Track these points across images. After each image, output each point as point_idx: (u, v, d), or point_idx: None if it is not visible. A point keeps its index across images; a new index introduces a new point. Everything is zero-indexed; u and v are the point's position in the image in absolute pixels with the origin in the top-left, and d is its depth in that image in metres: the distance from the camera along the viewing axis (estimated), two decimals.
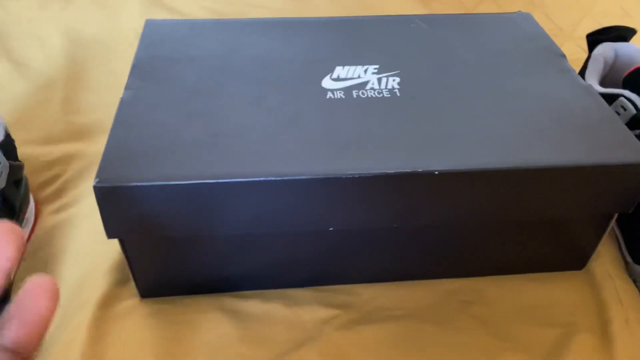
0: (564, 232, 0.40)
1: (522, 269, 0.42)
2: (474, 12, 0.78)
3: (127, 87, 0.40)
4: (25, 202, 0.44)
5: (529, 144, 0.36)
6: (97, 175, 0.33)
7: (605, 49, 0.48)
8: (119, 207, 0.34)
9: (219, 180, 0.33)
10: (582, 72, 0.49)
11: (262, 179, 0.33)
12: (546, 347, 0.37)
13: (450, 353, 0.37)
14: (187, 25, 0.47)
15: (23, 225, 0.43)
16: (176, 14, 0.70)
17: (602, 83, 0.48)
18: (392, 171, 0.33)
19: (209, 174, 0.33)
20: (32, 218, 0.44)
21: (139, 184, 0.33)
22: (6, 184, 0.40)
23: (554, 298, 0.40)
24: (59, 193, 0.47)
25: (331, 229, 0.36)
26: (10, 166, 0.41)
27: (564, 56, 0.45)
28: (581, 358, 0.36)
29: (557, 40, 0.71)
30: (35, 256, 0.42)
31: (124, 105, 0.38)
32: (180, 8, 0.71)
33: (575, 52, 0.68)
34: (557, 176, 0.35)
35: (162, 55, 0.43)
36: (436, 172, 0.34)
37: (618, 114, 0.42)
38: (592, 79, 0.46)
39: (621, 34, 0.48)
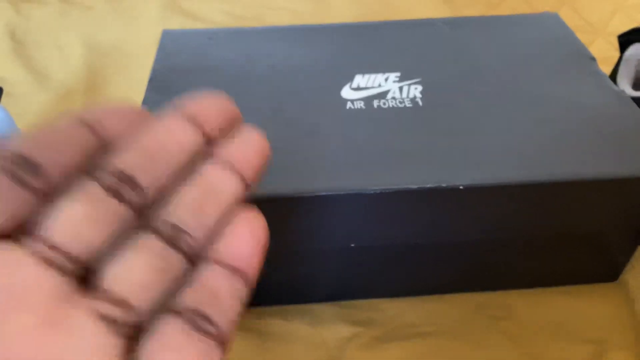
0: (596, 244, 0.39)
1: (552, 282, 0.41)
2: (499, 8, 0.75)
3: (144, 102, 0.39)
4: None
5: (558, 155, 0.34)
6: None
7: (638, 50, 0.45)
8: None
9: None
10: (614, 75, 0.47)
11: (279, 195, 0.32)
12: None
13: None
14: (204, 34, 0.46)
15: None
16: (194, 19, 0.70)
17: (635, 86, 0.46)
18: (415, 186, 0.32)
19: None
20: None
21: None
22: None
23: (586, 312, 0.39)
24: None
25: (352, 245, 0.35)
26: None
27: (594, 59, 0.43)
28: None
29: (587, 37, 0.69)
30: None
31: None
32: (198, 13, 0.71)
33: (606, 49, 0.65)
34: (588, 189, 0.34)
35: (179, 66, 0.42)
36: (461, 187, 0.32)
37: None
38: (625, 82, 0.44)
39: None
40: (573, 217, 0.35)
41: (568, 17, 0.74)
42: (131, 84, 0.59)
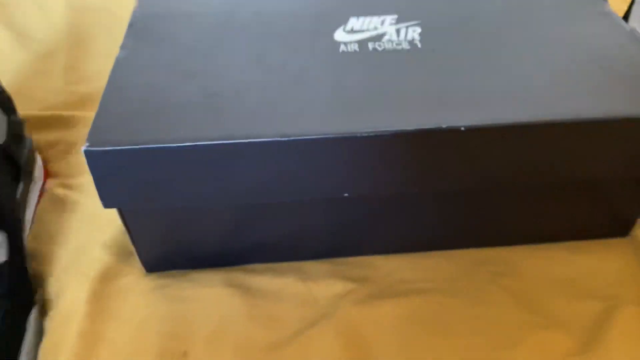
0: (604, 194, 0.36)
1: (557, 237, 0.38)
2: None
3: (122, 47, 0.37)
4: (31, 161, 0.41)
5: (565, 96, 0.32)
6: (88, 139, 0.30)
7: None
8: (112, 173, 0.31)
9: (217, 142, 0.30)
10: (626, 17, 0.44)
11: (264, 139, 0.30)
12: (586, 322, 0.34)
13: (478, 329, 0.33)
14: None
15: (32, 183, 0.40)
16: None
17: None
18: (412, 128, 0.30)
19: (206, 136, 0.30)
20: (42, 176, 0.43)
21: (131, 147, 0.30)
22: (7, 138, 0.37)
23: (594, 268, 0.36)
24: (61, 162, 0.45)
25: (346, 195, 0.33)
26: (9, 121, 0.39)
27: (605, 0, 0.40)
28: (626, 334, 0.32)
29: None
30: (39, 222, 0.40)
31: (118, 65, 0.35)
32: None
33: None
34: (597, 130, 0.31)
35: (160, 13, 0.40)
36: (462, 128, 0.30)
37: None
38: (637, 22, 0.41)
39: None
40: (580, 162, 0.32)
41: None
42: (115, 43, 0.56)
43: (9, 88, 0.51)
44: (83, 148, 0.30)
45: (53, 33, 0.58)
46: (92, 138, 0.30)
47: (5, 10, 0.61)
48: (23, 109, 0.48)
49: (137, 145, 0.30)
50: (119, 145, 0.30)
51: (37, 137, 0.46)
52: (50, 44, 0.57)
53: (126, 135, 0.30)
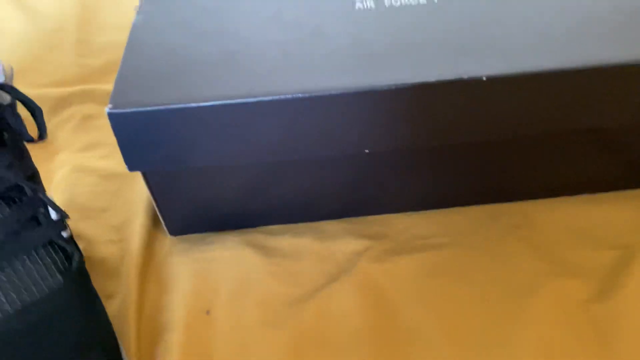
0: (621, 145, 0.37)
1: (574, 190, 0.39)
2: None
3: (138, 12, 0.37)
4: None
5: (589, 41, 0.32)
6: (111, 101, 0.30)
7: None
8: (136, 135, 0.31)
9: (238, 100, 0.30)
10: None
11: (285, 96, 0.30)
12: (603, 270, 0.34)
13: (496, 280, 0.34)
14: None
15: None
16: None
17: None
18: (433, 80, 0.30)
19: (226, 94, 0.30)
20: None
21: (154, 108, 0.30)
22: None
23: (611, 219, 0.37)
24: (78, 131, 0.45)
25: (367, 151, 0.33)
26: None
27: None
28: None
29: None
30: (62, 195, 0.41)
31: (135, 29, 0.35)
32: None
33: None
34: (619, 75, 0.31)
35: None
36: (484, 78, 0.30)
37: None
38: None
39: None
40: (601, 108, 0.33)
41: None
42: (125, 14, 0.56)
43: (19, 63, 0.51)
44: (106, 110, 0.30)
45: (61, 7, 0.58)
46: (114, 100, 0.30)
47: None
48: (37, 85, 0.49)
49: (160, 105, 0.30)
50: (141, 106, 0.30)
51: (53, 113, 0.46)
52: (60, 18, 0.57)
53: (148, 97, 0.31)
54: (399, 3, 0.36)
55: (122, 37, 0.37)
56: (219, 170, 0.35)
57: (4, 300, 0.27)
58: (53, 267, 0.30)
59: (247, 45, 0.33)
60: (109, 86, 0.47)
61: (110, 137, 0.36)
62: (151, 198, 0.36)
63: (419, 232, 0.37)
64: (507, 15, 0.34)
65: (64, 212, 0.32)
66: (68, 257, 0.31)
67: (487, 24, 0.34)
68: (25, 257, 0.29)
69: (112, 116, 0.30)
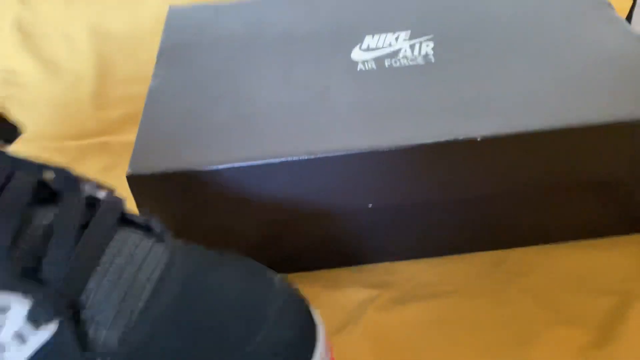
0: (616, 193, 0.38)
1: (572, 236, 0.40)
2: None
3: (154, 76, 0.39)
4: None
5: (577, 101, 0.34)
6: (130, 165, 0.33)
7: None
8: (152, 196, 0.33)
9: (248, 164, 0.32)
10: (629, 19, 0.46)
11: (295, 158, 0.32)
12: (600, 317, 0.35)
13: (499, 328, 0.35)
14: (210, 9, 0.46)
15: None
16: None
17: None
18: (430, 141, 0.32)
19: (238, 157, 0.32)
20: None
21: (170, 170, 0.32)
22: None
23: (609, 265, 0.38)
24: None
25: (370, 205, 0.35)
26: None
27: (610, 6, 0.42)
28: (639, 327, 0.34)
29: None
30: None
31: (152, 93, 0.38)
32: None
33: None
34: (609, 133, 0.33)
35: (187, 41, 0.42)
36: (478, 139, 0.32)
37: None
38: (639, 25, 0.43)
39: None
40: (593, 164, 0.34)
41: None
42: (140, 67, 0.59)
43: (40, 118, 0.54)
44: (126, 173, 0.32)
45: (79, 61, 0.61)
46: (134, 163, 0.33)
47: (33, 43, 0.65)
48: (56, 138, 0.51)
49: (177, 168, 0.32)
50: (159, 169, 0.32)
51: (76, 166, 0.48)
52: (78, 72, 0.60)
53: (165, 160, 0.33)
54: (398, 64, 0.38)
55: (138, 89, 0.39)
56: (234, 225, 0.37)
57: None
58: None
59: (258, 108, 0.35)
60: (126, 137, 0.50)
61: (127, 188, 0.38)
62: None
63: (424, 280, 0.39)
64: (499, 74, 0.36)
65: None
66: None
67: (481, 83, 0.36)
68: None
69: (131, 178, 0.32)
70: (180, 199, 0.34)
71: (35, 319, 0.16)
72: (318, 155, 0.32)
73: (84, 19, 0.68)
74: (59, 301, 0.17)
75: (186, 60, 0.40)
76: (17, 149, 0.49)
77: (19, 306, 0.16)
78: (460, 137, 0.32)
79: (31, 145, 0.50)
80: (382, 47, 0.39)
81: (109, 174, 0.48)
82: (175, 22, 0.45)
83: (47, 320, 0.16)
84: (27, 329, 0.16)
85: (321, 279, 0.39)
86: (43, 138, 0.51)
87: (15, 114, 0.53)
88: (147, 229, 0.26)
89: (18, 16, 0.69)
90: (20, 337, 0.16)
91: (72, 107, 0.55)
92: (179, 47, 0.42)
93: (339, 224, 0.38)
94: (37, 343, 0.16)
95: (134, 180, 0.32)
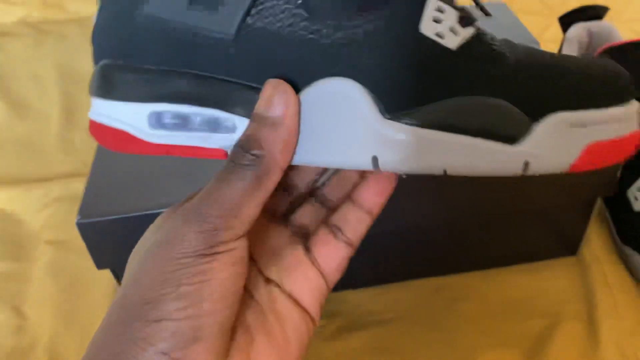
0: (549, 219, 0.40)
1: (510, 261, 0.42)
2: None
3: None
4: None
5: None
6: (79, 212, 0.34)
7: (578, 30, 0.47)
8: (103, 240, 0.35)
9: None
10: None
11: None
12: (530, 339, 0.37)
13: (436, 354, 0.37)
14: None
15: None
16: None
17: None
18: None
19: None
20: None
21: (118, 216, 0.34)
22: None
23: (542, 288, 0.40)
24: (56, 228, 0.49)
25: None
26: None
27: (537, 43, 0.45)
28: (565, 347, 0.36)
29: (546, 20, 0.71)
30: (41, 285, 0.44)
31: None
32: None
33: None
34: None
35: None
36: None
37: None
38: None
39: (595, 12, 0.48)
40: (531, 193, 0.37)
41: (526, 1, 0.76)
42: None
43: (6, 160, 0.55)
44: (75, 221, 0.34)
45: (48, 102, 0.63)
46: (83, 211, 0.35)
47: (2, 83, 0.66)
48: (20, 178, 0.53)
49: (125, 214, 0.34)
50: (107, 216, 0.34)
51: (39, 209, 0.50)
52: (46, 112, 0.62)
53: (113, 205, 0.35)
54: None
55: None
56: None
57: None
58: None
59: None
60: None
61: None
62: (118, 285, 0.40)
63: (369, 308, 0.40)
64: None
65: None
66: None
67: None
68: None
69: (80, 226, 0.34)
70: (127, 241, 0.35)
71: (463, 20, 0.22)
72: None
73: (53, 59, 0.70)
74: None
75: None
76: None
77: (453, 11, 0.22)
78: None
79: None
80: None
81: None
82: None
83: (469, 23, 0.22)
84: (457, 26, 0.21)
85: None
86: (10, 180, 0.53)
87: None
88: None
89: None
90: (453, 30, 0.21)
91: (38, 150, 0.57)
92: None
93: None
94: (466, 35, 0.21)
95: (83, 228, 0.34)
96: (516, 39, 0.44)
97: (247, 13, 0.22)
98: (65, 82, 0.66)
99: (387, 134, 0.21)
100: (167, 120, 0.23)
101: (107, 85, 0.23)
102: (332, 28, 0.21)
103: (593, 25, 0.47)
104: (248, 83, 0.22)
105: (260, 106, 0.22)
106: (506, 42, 0.23)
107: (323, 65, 0.22)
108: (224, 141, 0.23)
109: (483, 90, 0.21)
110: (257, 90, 0.22)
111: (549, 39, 0.67)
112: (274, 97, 0.21)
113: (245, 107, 0.22)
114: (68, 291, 0.44)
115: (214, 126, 0.23)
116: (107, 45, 0.24)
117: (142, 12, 0.22)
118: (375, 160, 0.21)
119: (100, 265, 0.37)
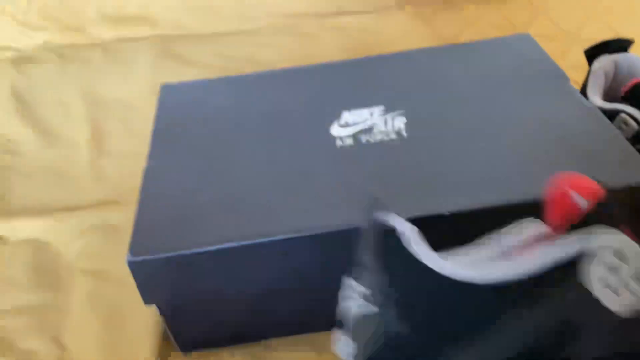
0: None
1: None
2: (479, 21, 0.78)
3: (149, 157, 0.42)
4: None
5: (532, 175, 0.37)
6: (130, 250, 0.35)
7: (604, 62, 0.48)
8: (153, 277, 0.36)
9: (236, 244, 0.35)
10: (584, 88, 0.49)
11: (277, 238, 0.35)
12: None
13: None
14: (200, 86, 0.49)
15: None
16: (187, 64, 0.73)
17: (605, 95, 0.49)
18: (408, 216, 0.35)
19: (228, 237, 0.35)
20: None
21: (169, 254, 0.35)
22: None
23: None
24: (91, 257, 0.49)
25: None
26: None
27: (566, 77, 0.46)
28: None
29: (564, 45, 0.72)
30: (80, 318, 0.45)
31: (148, 175, 0.40)
32: (190, 57, 0.74)
33: (582, 56, 0.68)
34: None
35: (179, 119, 0.46)
36: (447, 214, 0.35)
37: (621, 129, 0.43)
38: (594, 94, 0.47)
39: (620, 45, 0.49)
40: None
41: (544, 26, 0.77)
42: (132, 134, 0.62)
43: (37, 189, 0.56)
44: (127, 258, 0.35)
45: (74, 128, 0.64)
46: (134, 248, 0.35)
47: (29, 110, 0.67)
48: (53, 207, 0.54)
49: (174, 252, 0.35)
50: (158, 254, 0.35)
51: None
52: (73, 139, 0.62)
53: (164, 243, 0.35)
54: (373, 139, 0.41)
55: (131, 160, 0.41)
56: (225, 297, 0.40)
57: None
58: None
59: (245, 188, 0.38)
60: (121, 210, 0.52)
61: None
62: (161, 319, 0.41)
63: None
64: (464, 150, 0.39)
65: None
66: None
67: (447, 159, 0.39)
68: None
69: (131, 263, 0.35)
70: (176, 278, 0.36)
71: None
72: (302, 234, 0.35)
73: (77, 84, 0.71)
74: None
75: (178, 140, 0.43)
76: (17, 222, 0.52)
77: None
78: (432, 213, 0.35)
79: (32, 218, 0.53)
80: (359, 123, 0.43)
81: (108, 247, 0.50)
82: (167, 100, 0.48)
83: None
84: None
85: (310, 342, 0.41)
86: (43, 209, 0.54)
87: (15, 184, 0.56)
88: None
89: (14, 83, 0.72)
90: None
91: (68, 178, 0.58)
92: (172, 126, 0.45)
93: (323, 293, 0.40)
94: None
95: (134, 265, 0.35)
96: (543, 72, 0.46)
97: None
98: (90, 108, 0.67)
99: None
100: None
101: None
102: None
103: (618, 57, 0.49)
104: None
105: None
106: None
107: None
108: None
109: None
110: None
111: (568, 65, 0.67)
112: None
113: None
114: (108, 322, 0.44)
115: None
116: None
117: None
118: None
119: (147, 300, 0.37)
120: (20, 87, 0.71)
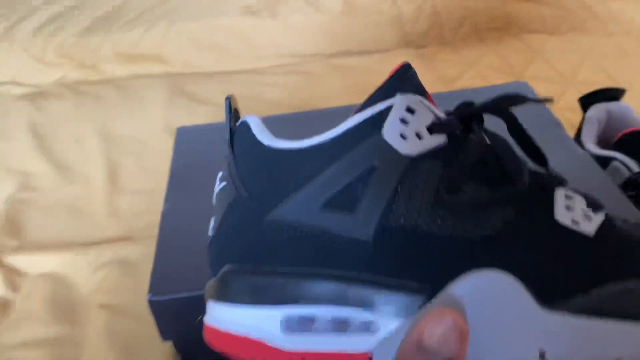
0: None
1: None
2: (479, 63, 0.81)
3: (166, 200, 0.44)
4: None
5: None
6: (150, 290, 0.37)
7: (598, 111, 0.51)
8: (171, 314, 0.38)
9: None
10: (579, 134, 0.52)
11: None
12: None
13: None
14: (215, 128, 0.52)
15: None
16: (198, 101, 0.76)
17: (599, 142, 0.51)
18: None
19: None
20: None
21: (189, 294, 0.37)
22: None
23: None
24: (108, 292, 0.51)
25: None
26: None
27: (560, 125, 0.49)
28: None
29: (559, 88, 0.75)
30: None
31: (165, 218, 0.43)
32: (200, 95, 0.77)
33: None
34: None
35: (195, 162, 0.48)
36: None
37: (613, 175, 0.45)
38: (588, 140, 0.50)
39: (612, 94, 0.52)
40: None
41: (540, 69, 0.80)
42: (146, 171, 0.64)
43: (53, 225, 0.58)
44: (147, 298, 0.37)
45: (90, 164, 0.66)
46: (153, 289, 0.37)
47: (46, 145, 0.70)
48: (70, 241, 0.56)
49: (193, 292, 0.37)
50: (178, 294, 0.37)
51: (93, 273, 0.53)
52: (89, 175, 0.65)
53: (183, 284, 0.38)
54: None
55: (146, 197, 0.42)
56: None
57: None
58: None
59: None
60: (138, 246, 0.54)
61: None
62: (178, 355, 0.42)
63: None
64: None
65: None
66: None
67: None
68: None
69: (152, 302, 0.37)
70: (194, 315, 0.38)
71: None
72: None
73: (92, 120, 0.74)
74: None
75: (194, 183, 0.46)
76: (35, 256, 0.54)
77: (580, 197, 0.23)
78: None
79: (50, 252, 0.55)
80: None
81: (124, 282, 0.52)
82: (183, 143, 0.50)
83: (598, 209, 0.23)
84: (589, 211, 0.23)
85: None
86: (60, 244, 0.56)
87: (34, 220, 0.58)
88: None
89: (32, 119, 0.74)
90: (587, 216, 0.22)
91: (84, 214, 0.60)
92: (187, 169, 0.47)
93: None
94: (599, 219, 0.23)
95: (154, 305, 0.37)
96: (539, 120, 0.48)
97: (384, 214, 0.22)
98: (105, 144, 0.69)
99: (552, 326, 0.20)
100: (303, 323, 0.22)
101: (234, 290, 0.24)
102: (472, 223, 0.22)
103: (611, 106, 0.51)
104: (391, 282, 0.22)
105: (433, 342, 0.20)
106: (635, 225, 0.24)
107: (468, 261, 0.21)
108: (368, 344, 0.22)
109: (629, 274, 0.21)
110: (401, 288, 0.21)
111: (563, 107, 0.70)
112: (450, 336, 0.20)
113: (389, 306, 0.22)
114: (124, 356, 0.46)
115: (358, 328, 0.22)
116: (230, 251, 0.25)
117: (271, 217, 0.23)
118: (542, 354, 0.21)
119: (165, 336, 0.39)
120: (38, 122, 0.74)
